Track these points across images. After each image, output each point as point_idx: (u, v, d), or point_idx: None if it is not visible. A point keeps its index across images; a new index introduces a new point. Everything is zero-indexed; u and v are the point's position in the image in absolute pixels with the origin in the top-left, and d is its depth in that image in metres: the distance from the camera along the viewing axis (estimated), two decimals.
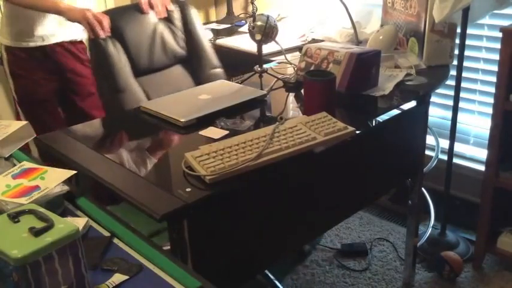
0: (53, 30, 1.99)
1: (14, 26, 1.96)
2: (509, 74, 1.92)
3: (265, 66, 1.91)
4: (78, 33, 2.06)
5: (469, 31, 2.06)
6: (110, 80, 1.85)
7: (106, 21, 1.80)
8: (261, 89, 1.76)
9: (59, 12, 1.86)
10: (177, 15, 2.05)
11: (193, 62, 2.09)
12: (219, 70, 2.12)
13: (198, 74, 2.09)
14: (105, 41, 1.84)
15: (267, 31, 1.80)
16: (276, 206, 1.36)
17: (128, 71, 1.90)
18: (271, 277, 2.05)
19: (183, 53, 2.07)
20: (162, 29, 2.01)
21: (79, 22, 1.82)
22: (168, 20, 2.02)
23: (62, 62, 2.05)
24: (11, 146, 1.34)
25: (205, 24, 3.00)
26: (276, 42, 1.89)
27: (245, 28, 2.57)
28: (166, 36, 2.01)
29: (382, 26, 2.13)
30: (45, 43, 1.98)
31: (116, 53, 1.87)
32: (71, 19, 1.84)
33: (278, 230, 1.40)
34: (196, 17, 2.10)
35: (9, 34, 1.97)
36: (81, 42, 2.10)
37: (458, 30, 1.98)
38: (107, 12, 1.91)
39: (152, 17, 1.99)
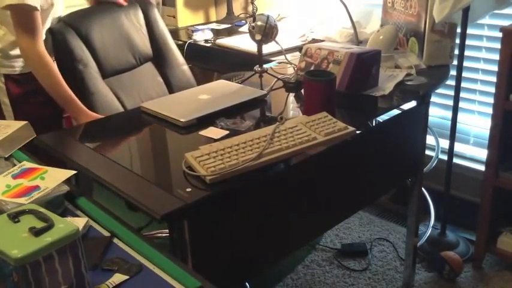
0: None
1: (15, 52, 1.86)
2: (509, 74, 1.92)
3: (265, 66, 1.91)
4: None
5: (469, 31, 2.06)
6: (79, 83, 1.85)
7: None
8: (261, 89, 1.76)
9: (78, 112, 1.78)
10: (140, 15, 2.09)
11: (160, 60, 2.14)
12: (186, 67, 2.18)
13: (167, 72, 2.14)
14: (72, 44, 1.86)
15: (267, 31, 1.80)
16: (276, 206, 1.36)
17: (96, 73, 1.91)
18: None
19: (149, 53, 2.11)
20: (128, 29, 2.04)
21: None
22: (132, 20, 2.06)
23: None
24: (11, 146, 1.34)
25: (205, 24, 3.00)
26: (276, 42, 1.89)
27: (245, 28, 2.58)
28: (132, 36, 2.05)
29: (382, 26, 2.13)
30: None
31: (83, 56, 1.88)
32: None
33: (278, 230, 1.40)
34: (158, 16, 2.16)
35: (11, 61, 1.88)
36: None
37: (458, 30, 1.98)
38: (70, 15, 1.93)
39: (117, 19, 2.02)
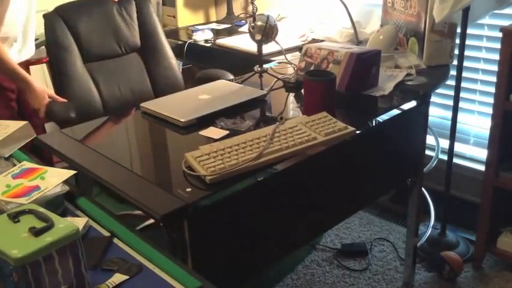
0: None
1: None
2: (509, 74, 1.92)
3: (265, 66, 1.91)
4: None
5: (469, 31, 2.06)
6: (60, 67, 2.04)
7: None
8: (261, 89, 1.76)
9: (26, 84, 1.87)
10: (132, 8, 2.21)
11: (148, 53, 2.23)
12: (173, 61, 2.28)
13: (153, 64, 2.24)
14: (57, 31, 2.04)
15: (267, 31, 1.81)
16: (276, 206, 1.36)
17: (77, 58, 2.07)
18: None
19: (137, 44, 2.22)
20: (116, 19, 2.17)
21: (36, 105, 1.89)
22: (123, 11, 2.18)
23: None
24: (11, 146, 1.34)
25: (205, 24, 3.00)
26: (276, 42, 1.89)
27: (245, 28, 2.58)
28: (119, 26, 2.17)
29: (382, 26, 2.13)
30: None
31: (67, 42, 2.05)
32: (32, 99, 1.89)
33: (278, 230, 1.40)
34: (151, 10, 2.26)
35: None
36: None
37: (458, 30, 1.98)
38: (63, 6, 2.09)
39: (107, 9, 2.16)
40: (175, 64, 2.28)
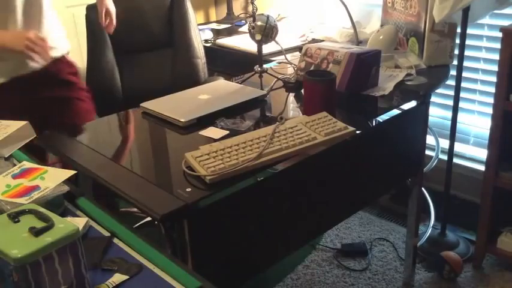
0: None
1: None
2: (509, 74, 1.92)
3: (265, 66, 1.91)
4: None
5: (469, 31, 2.06)
6: (93, 56, 2.20)
7: (46, 45, 1.57)
8: (261, 89, 1.76)
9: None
10: (166, 4, 2.27)
11: (175, 49, 2.29)
12: (199, 61, 2.32)
13: (177, 61, 2.29)
14: (93, 24, 2.15)
15: (267, 31, 1.80)
16: (276, 205, 1.36)
17: (109, 50, 2.22)
18: None
19: (166, 40, 2.28)
20: (148, 15, 2.25)
21: (21, 52, 1.54)
22: (156, 7, 2.25)
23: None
24: (11, 146, 1.34)
25: (205, 24, 3.00)
26: (276, 42, 1.89)
27: (245, 28, 2.58)
28: (151, 22, 2.25)
29: (382, 26, 2.13)
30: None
31: (101, 34, 2.18)
32: (14, 50, 1.56)
33: (278, 230, 1.40)
34: (187, 7, 2.28)
35: None
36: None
37: (458, 30, 1.98)
38: None
39: (142, 4, 2.24)
40: (201, 64, 2.31)
